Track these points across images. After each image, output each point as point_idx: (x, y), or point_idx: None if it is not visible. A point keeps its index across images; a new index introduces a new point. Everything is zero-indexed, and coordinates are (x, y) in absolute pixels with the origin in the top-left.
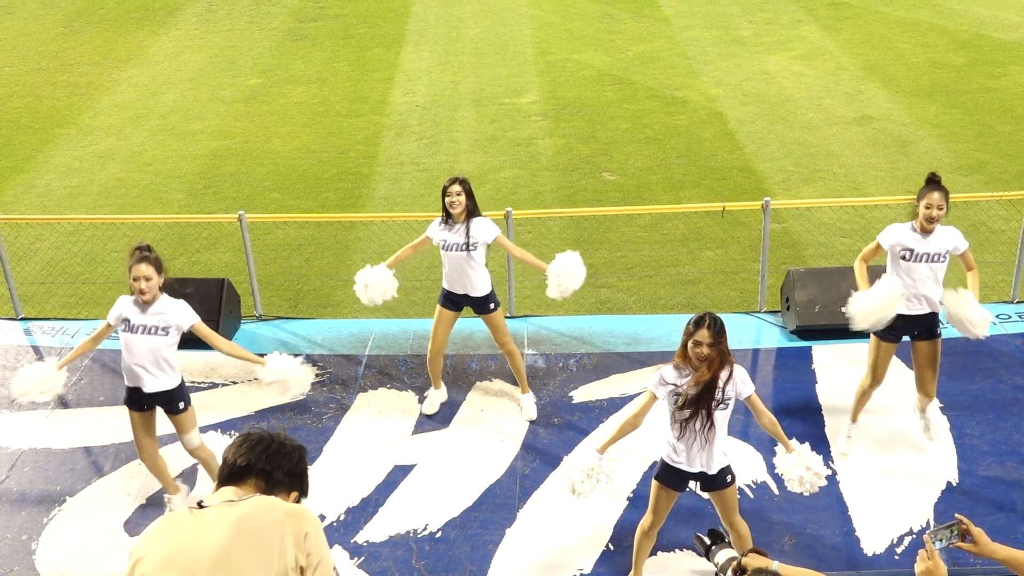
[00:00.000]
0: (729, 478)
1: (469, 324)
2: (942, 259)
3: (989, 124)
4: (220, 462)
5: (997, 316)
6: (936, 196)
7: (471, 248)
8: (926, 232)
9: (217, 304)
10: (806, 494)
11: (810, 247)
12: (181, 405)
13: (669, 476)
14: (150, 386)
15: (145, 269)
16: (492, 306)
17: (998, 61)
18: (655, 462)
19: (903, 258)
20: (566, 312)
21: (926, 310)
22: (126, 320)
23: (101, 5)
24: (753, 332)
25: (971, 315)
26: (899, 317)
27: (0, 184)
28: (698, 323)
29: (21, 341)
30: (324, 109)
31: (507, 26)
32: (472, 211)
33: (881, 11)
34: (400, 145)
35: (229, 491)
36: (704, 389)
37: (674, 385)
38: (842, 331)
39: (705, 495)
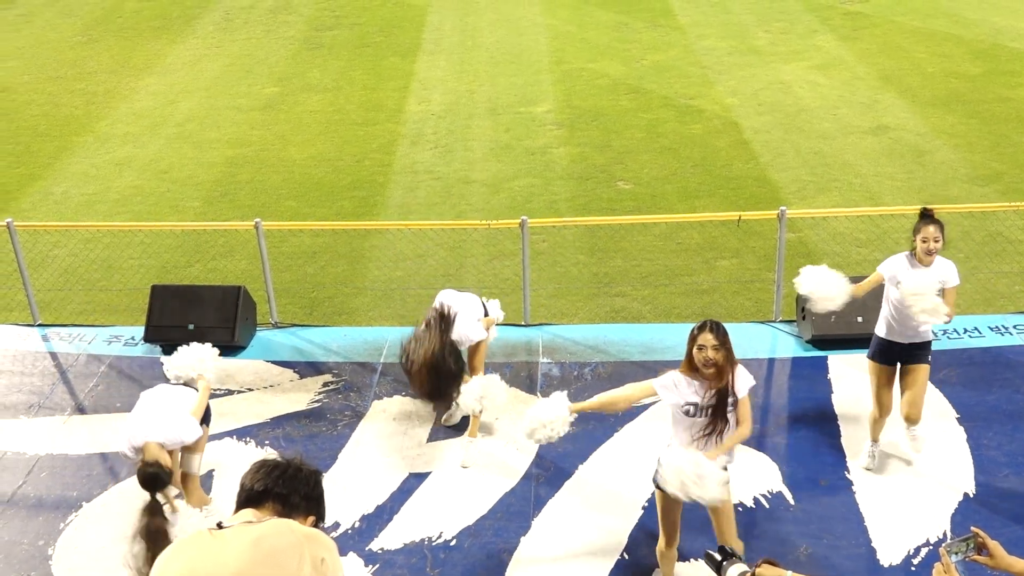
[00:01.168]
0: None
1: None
2: (936, 293)
3: (1006, 134)
4: (238, 488)
5: (1014, 326)
6: (931, 229)
7: None
8: (924, 265)
9: (233, 311)
10: (671, 490)
11: (826, 257)
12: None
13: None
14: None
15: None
16: None
17: (1015, 71)
18: None
19: (896, 285)
20: (581, 321)
21: (918, 339)
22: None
23: (119, 14)
24: (768, 342)
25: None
26: (893, 344)
27: (18, 191)
28: (701, 328)
29: (39, 347)
30: (340, 117)
31: (522, 35)
32: None
33: (897, 21)
34: (415, 153)
35: (248, 513)
36: (719, 398)
37: (687, 401)
38: (858, 341)
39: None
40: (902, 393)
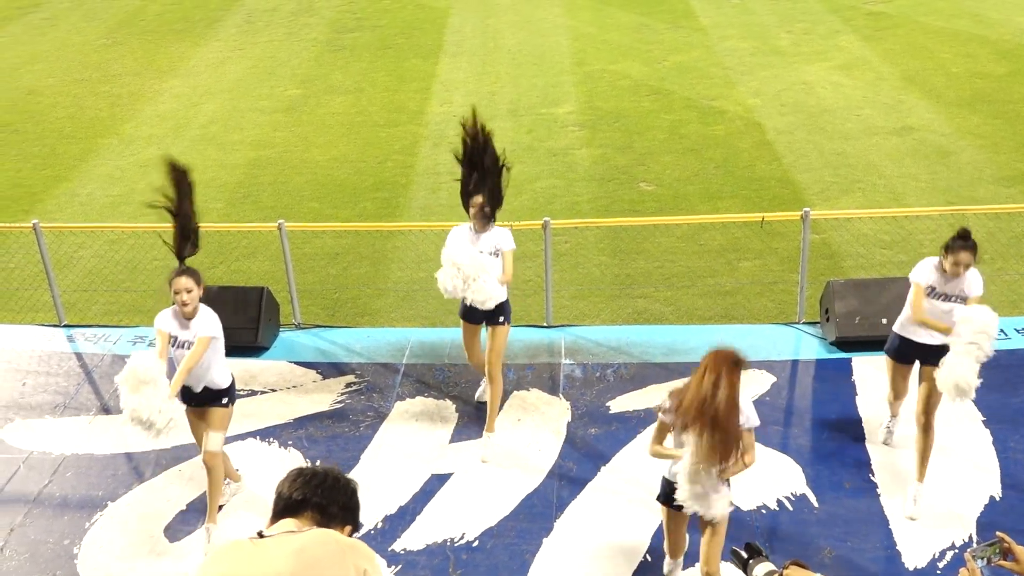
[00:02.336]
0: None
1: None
2: (958, 300)
3: None
4: (274, 496)
5: None
6: (964, 255)
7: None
8: (951, 276)
9: (257, 312)
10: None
11: (849, 258)
12: (224, 401)
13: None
14: (199, 387)
15: (185, 281)
16: (502, 319)
17: None
18: None
19: (927, 294)
20: (603, 322)
21: (939, 342)
22: (173, 337)
23: (142, 17)
24: (792, 343)
25: None
26: (914, 344)
27: (44, 193)
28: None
29: (64, 348)
30: (362, 119)
31: (544, 37)
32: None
33: (921, 21)
34: (437, 155)
35: (289, 522)
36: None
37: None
38: (882, 343)
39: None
40: (919, 393)
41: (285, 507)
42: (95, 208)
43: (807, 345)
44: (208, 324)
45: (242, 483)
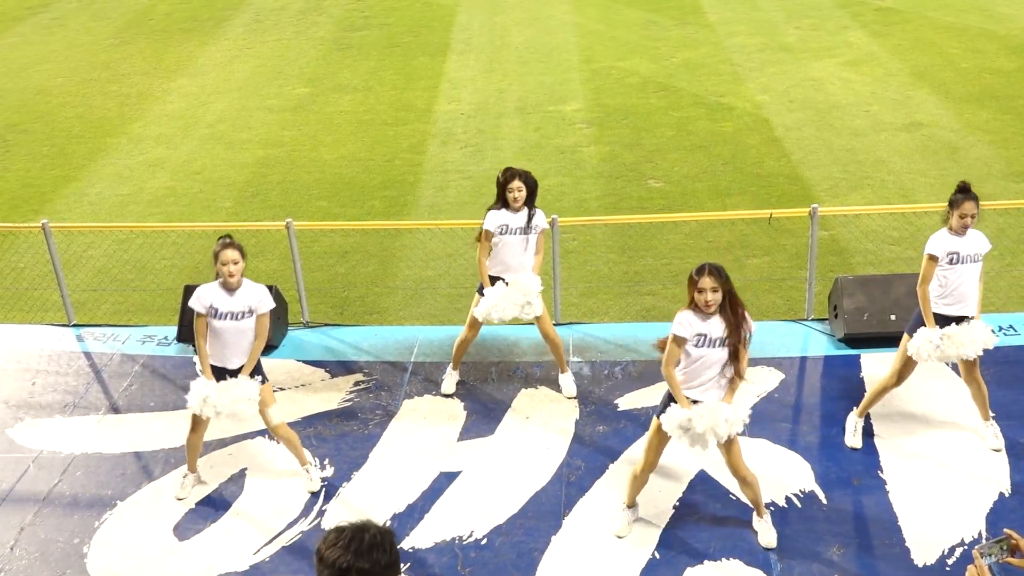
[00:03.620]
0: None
1: (515, 331)
2: (979, 260)
3: None
4: (315, 560)
5: None
6: (969, 205)
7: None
8: (962, 235)
9: None
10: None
11: (858, 254)
12: (259, 378)
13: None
14: (235, 364)
15: (232, 254)
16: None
17: None
18: (700, 471)
19: (950, 262)
20: (611, 320)
21: (966, 312)
22: (215, 308)
23: (150, 16)
24: (800, 340)
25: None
26: (941, 318)
27: (53, 192)
28: (700, 272)
29: (73, 347)
30: (370, 118)
31: (551, 34)
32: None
33: (929, 16)
34: (445, 153)
35: None
36: (730, 330)
37: (697, 332)
38: (891, 339)
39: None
40: (962, 366)
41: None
42: (104, 208)
43: (816, 342)
44: (265, 297)
45: (199, 475)
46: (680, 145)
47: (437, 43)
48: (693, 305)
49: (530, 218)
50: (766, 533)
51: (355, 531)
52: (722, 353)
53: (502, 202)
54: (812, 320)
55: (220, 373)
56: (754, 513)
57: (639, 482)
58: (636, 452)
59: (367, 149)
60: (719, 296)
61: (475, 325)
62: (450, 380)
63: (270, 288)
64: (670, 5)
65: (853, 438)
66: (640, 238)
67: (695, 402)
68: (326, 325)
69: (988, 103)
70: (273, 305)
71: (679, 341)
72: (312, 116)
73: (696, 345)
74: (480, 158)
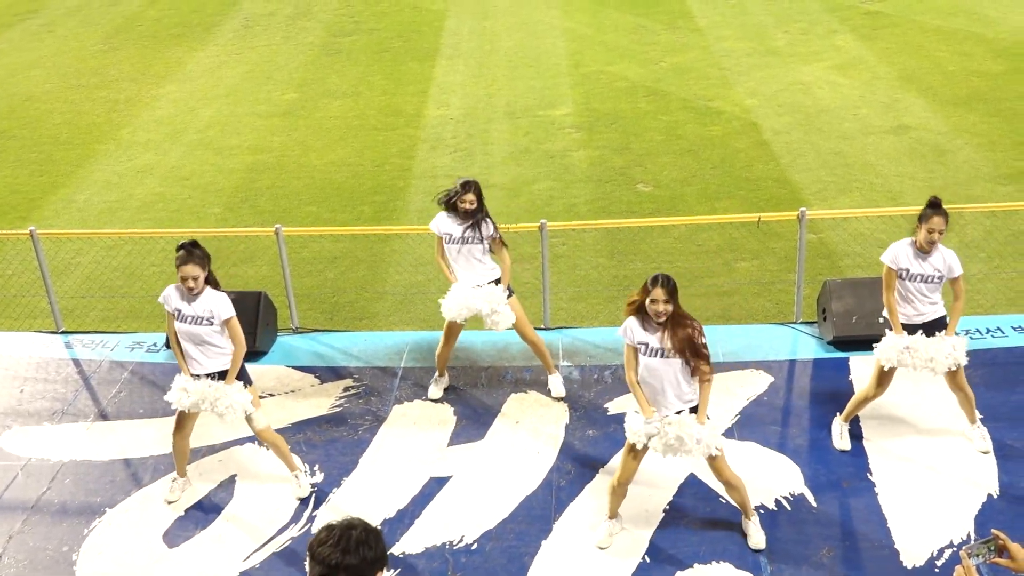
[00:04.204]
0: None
1: (504, 336)
2: (936, 280)
3: None
4: (308, 554)
5: None
6: (938, 221)
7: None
8: (925, 252)
9: (254, 317)
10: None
11: (846, 257)
12: (241, 383)
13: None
14: (196, 369)
15: (191, 269)
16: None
17: None
18: (689, 475)
19: (899, 276)
20: (601, 324)
21: (927, 317)
22: (178, 310)
23: (139, 22)
24: (789, 343)
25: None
26: (907, 327)
27: (41, 199)
28: (653, 282)
29: (62, 354)
30: (359, 123)
31: (540, 39)
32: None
33: (917, 20)
34: (435, 158)
35: None
36: (680, 344)
37: (639, 340)
38: (880, 342)
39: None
40: (946, 376)
41: (321, 573)
42: (92, 214)
43: (804, 345)
44: (224, 305)
45: (188, 479)
46: (669, 149)
47: (426, 48)
48: (641, 311)
49: (477, 228)
50: (755, 535)
51: (343, 529)
52: (670, 365)
53: (451, 207)
54: (801, 323)
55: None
56: (743, 515)
57: (618, 495)
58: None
59: (356, 154)
60: (670, 308)
61: (450, 336)
62: (436, 386)
63: (259, 294)
64: (659, 9)
65: (840, 441)
66: (629, 242)
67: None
68: (316, 331)
69: (975, 106)
70: (231, 313)
71: (627, 349)
72: (301, 121)
73: (642, 353)
74: (470, 163)
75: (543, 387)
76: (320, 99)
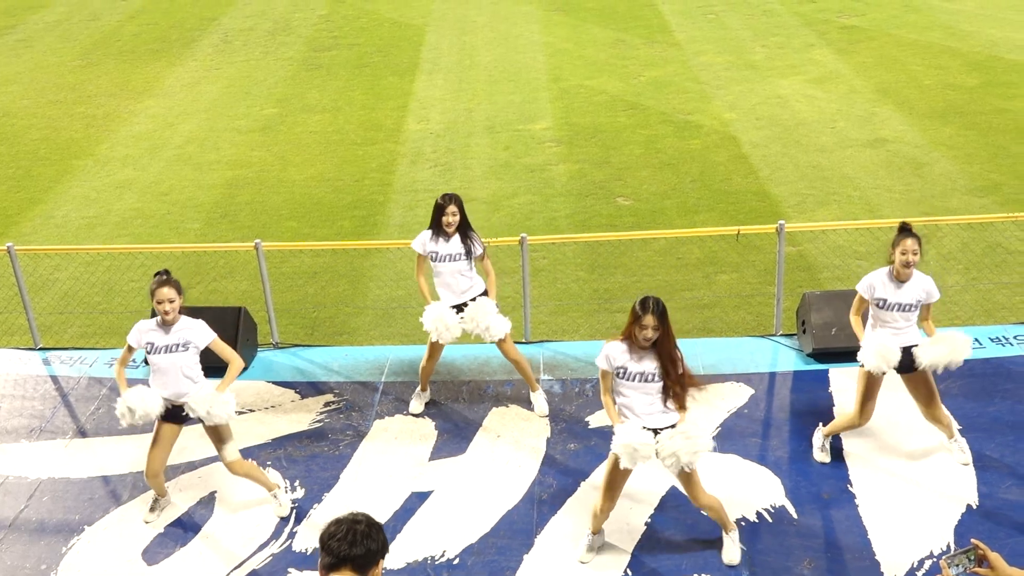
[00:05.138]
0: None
1: (486, 350)
2: (913, 308)
3: (1003, 145)
4: (318, 546)
5: (1015, 337)
6: (910, 243)
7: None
8: (902, 280)
9: (234, 332)
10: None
11: (825, 270)
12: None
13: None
14: (174, 394)
15: (168, 292)
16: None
17: (1011, 82)
18: (671, 488)
19: (877, 306)
20: (582, 337)
21: (903, 343)
22: (150, 343)
23: (118, 38)
24: (769, 355)
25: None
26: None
27: (19, 215)
28: (644, 308)
29: (40, 371)
30: (339, 138)
31: (520, 53)
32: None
33: (893, 34)
34: (415, 172)
35: None
36: (662, 365)
37: (618, 365)
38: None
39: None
40: (921, 409)
41: (331, 562)
42: (70, 230)
43: (784, 357)
44: (203, 331)
45: (169, 498)
46: (649, 163)
47: (406, 63)
48: (627, 336)
49: (466, 245)
50: (729, 550)
51: (350, 524)
52: (648, 389)
53: (435, 225)
54: (781, 335)
55: (170, 410)
56: (722, 530)
57: (600, 519)
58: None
59: (336, 169)
60: (658, 334)
61: (434, 351)
62: (418, 400)
63: (238, 310)
64: (638, 24)
65: (821, 453)
66: (610, 256)
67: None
68: (296, 346)
69: (951, 119)
70: (213, 336)
71: (603, 373)
72: (281, 136)
73: (618, 376)
74: (450, 177)
75: (524, 401)
76: (299, 114)
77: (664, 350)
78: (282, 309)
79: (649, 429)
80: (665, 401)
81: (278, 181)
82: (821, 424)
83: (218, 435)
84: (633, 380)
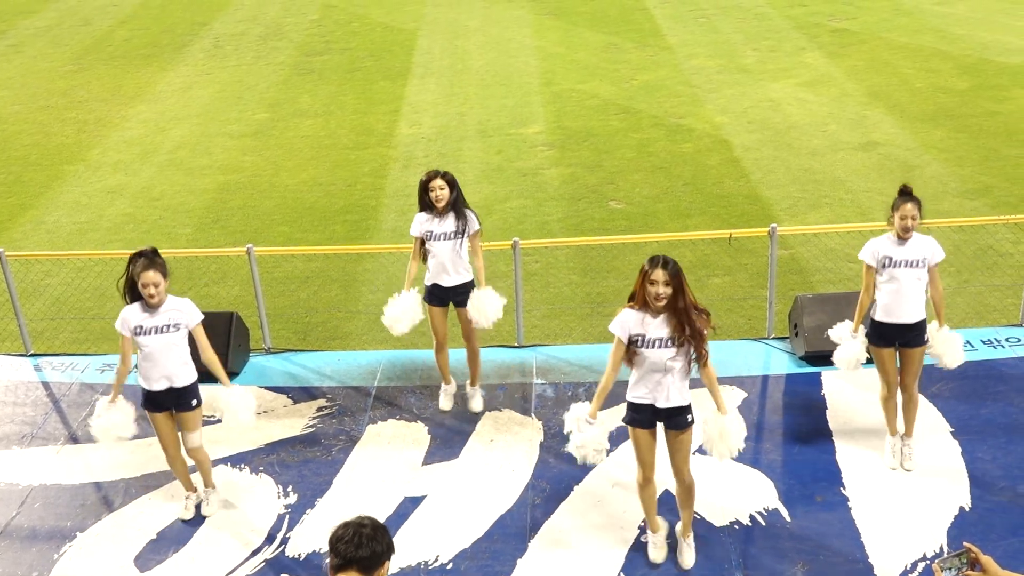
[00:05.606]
0: (690, 418)
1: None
2: (922, 264)
3: (994, 148)
4: (328, 549)
5: (1006, 339)
6: (909, 207)
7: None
8: (903, 240)
9: (226, 337)
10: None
11: (817, 273)
12: (194, 402)
13: (640, 416)
14: (178, 382)
15: (153, 276)
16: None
17: (1002, 85)
18: (664, 491)
19: (884, 265)
20: (574, 341)
21: (911, 319)
22: (139, 326)
23: (109, 43)
24: (762, 359)
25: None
26: (889, 325)
27: (10, 221)
28: (653, 264)
29: (31, 377)
30: (331, 142)
31: (512, 57)
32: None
33: (885, 37)
34: (407, 177)
35: None
36: (679, 328)
37: (634, 333)
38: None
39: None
40: (901, 377)
41: (338, 564)
42: (62, 236)
43: (777, 360)
44: (192, 311)
45: (199, 493)
46: (641, 166)
47: (398, 67)
48: (638, 302)
49: (460, 222)
50: (686, 554)
51: (356, 527)
52: (668, 354)
53: (425, 205)
54: (773, 339)
55: (154, 398)
56: (679, 526)
57: (648, 500)
58: (601, 474)
59: (328, 173)
60: (670, 291)
61: (441, 341)
62: (446, 397)
63: (230, 315)
64: (630, 28)
65: (892, 459)
66: (602, 259)
67: (645, 405)
68: (288, 351)
69: (942, 122)
70: (202, 317)
71: (616, 343)
72: (273, 141)
73: (636, 345)
74: None
75: (517, 405)
76: (291, 119)
77: (678, 308)
78: (274, 314)
79: (663, 409)
80: (688, 369)
81: (270, 186)
82: (888, 434)
83: (194, 422)
84: (652, 347)
